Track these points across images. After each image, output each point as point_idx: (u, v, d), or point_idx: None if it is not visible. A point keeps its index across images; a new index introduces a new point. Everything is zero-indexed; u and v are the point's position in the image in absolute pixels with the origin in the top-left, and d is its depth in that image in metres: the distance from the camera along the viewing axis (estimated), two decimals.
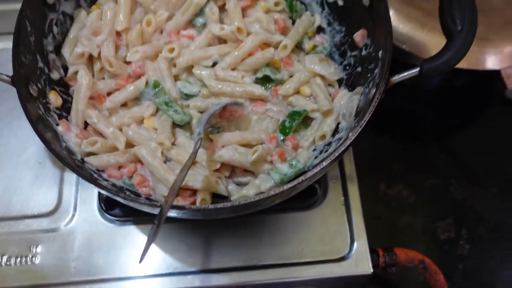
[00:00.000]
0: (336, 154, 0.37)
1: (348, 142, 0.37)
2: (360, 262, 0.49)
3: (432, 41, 0.61)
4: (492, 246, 0.62)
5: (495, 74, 0.72)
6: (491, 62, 0.63)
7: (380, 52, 0.42)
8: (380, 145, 0.69)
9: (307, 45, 0.53)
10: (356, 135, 0.38)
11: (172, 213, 0.39)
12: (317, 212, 0.51)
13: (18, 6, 0.45)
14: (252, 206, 0.38)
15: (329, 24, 0.54)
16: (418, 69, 0.39)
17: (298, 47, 0.53)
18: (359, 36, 0.49)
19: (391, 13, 0.57)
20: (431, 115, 0.71)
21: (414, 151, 0.69)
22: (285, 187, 0.37)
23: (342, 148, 0.37)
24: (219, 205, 0.37)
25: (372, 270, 0.49)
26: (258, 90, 0.49)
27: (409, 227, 0.64)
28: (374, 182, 0.66)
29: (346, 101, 0.47)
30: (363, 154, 0.67)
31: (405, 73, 0.39)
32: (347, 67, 0.51)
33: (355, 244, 0.50)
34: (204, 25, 0.53)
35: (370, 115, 0.38)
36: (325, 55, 0.52)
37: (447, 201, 0.65)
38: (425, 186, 0.66)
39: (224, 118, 0.48)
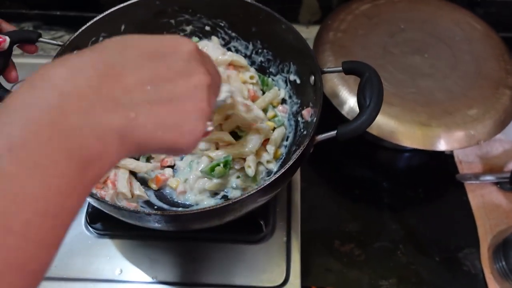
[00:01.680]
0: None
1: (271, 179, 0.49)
2: None
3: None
4: None
5: (449, 158, 0.83)
6: (442, 145, 0.72)
7: (315, 119, 0.54)
8: (342, 206, 0.78)
9: (270, 113, 0.66)
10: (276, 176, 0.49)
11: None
12: (263, 247, 0.61)
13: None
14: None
15: (289, 97, 0.68)
16: (335, 131, 0.51)
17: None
18: (306, 112, 0.63)
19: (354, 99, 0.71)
20: (388, 186, 0.80)
21: (369, 215, 0.77)
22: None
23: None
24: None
25: None
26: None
27: (356, 281, 0.71)
28: (330, 238, 0.75)
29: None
30: (324, 211, 0.77)
31: (326, 134, 0.51)
32: (298, 130, 0.64)
33: (290, 278, 0.59)
34: None
35: (294, 159, 0.50)
36: (278, 125, 0.65)
37: (393, 263, 0.72)
38: (375, 247, 0.74)
39: None
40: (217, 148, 0.62)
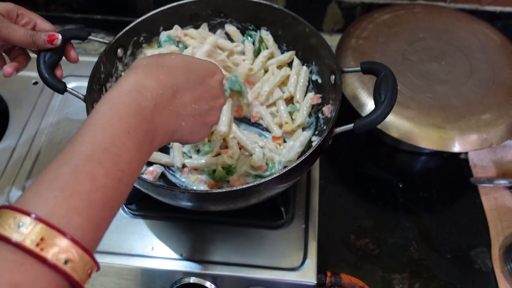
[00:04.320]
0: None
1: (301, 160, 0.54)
2: (307, 274, 0.62)
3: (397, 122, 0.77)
4: None
5: (464, 162, 0.87)
6: (456, 146, 0.76)
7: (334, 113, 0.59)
8: (358, 203, 0.82)
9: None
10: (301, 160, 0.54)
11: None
12: (283, 232, 0.66)
13: (94, 59, 0.66)
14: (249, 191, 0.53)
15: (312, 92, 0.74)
16: (352, 124, 0.56)
17: None
18: (327, 109, 0.67)
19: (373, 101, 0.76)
20: (404, 187, 0.84)
21: (384, 213, 0.81)
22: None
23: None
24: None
25: (315, 282, 0.62)
26: None
27: (369, 274, 0.74)
28: (346, 232, 0.79)
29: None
30: (342, 208, 0.81)
31: (344, 127, 0.56)
32: (318, 126, 0.70)
33: (306, 261, 0.63)
34: None
35: (315, 147, 0.55)
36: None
37: (406, 259, 0.75)
38: (389, 243, 0.77)
39: None
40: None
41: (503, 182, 0.82)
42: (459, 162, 0.87)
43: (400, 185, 0.84)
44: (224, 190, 0.52)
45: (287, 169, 0.53)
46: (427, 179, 0.85)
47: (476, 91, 0.79)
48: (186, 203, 0.55)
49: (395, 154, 0.89)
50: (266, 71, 0.74)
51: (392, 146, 0.87)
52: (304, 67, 0.72)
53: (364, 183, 0.85)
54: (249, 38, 0.75)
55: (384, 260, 0.76)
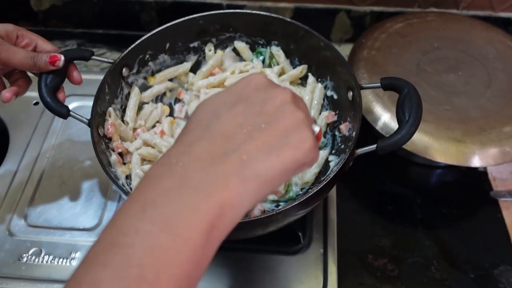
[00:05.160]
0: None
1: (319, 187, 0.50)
2: None
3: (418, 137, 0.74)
4: None
5: (483, 176, 0.83)
6: (477, 161, 0.73)
7: (354, 133, 0.56)
8: (375, 221, 0.79)
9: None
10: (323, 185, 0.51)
11: None
12: (300, 258, 0.63)
13: (99, 77, 0.63)
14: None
15: (326, 111, 0.70)
16: (375, 145, 0.52)
17: None
18: (344, 126, 0.64)
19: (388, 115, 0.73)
20: (421, 202, 0.80)
21: (402, 230, 0.77)
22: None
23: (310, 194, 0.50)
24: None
25: None
26: None
27: None
28: (363, 252, 0.75)
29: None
30: (358, 226, 0.78)
31: (366, 148, 0.53)
32: (335, 144, 0.66)
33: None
34: None
35: (336, 171, 0.51)
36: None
37: (427, 279, 0.72)
38: (408, 263, 0.74)
39: None
40: None
41: None
42: (478, 175, 0.84)
43: (418, 201, 0.81)
44: (242, 220, 0.48)
45: (307, 196, 0.50)
46: (445, 194, 0.82)
47: (496, 102, 0.76)
48: None
49: (409, 167, 0.86)
50: None
51: (407, 159, 0.84)
52: (319, 85, 0.69)
53: (380, 199, 0.82)
54: (258, 55, 0.72)
55: (404, 281, 0.72)
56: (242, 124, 0.32)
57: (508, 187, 0.81)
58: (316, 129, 0.35)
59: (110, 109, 0.64)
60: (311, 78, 0.69)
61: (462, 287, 0.71)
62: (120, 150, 0.63)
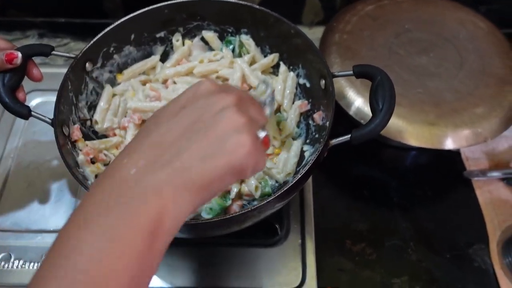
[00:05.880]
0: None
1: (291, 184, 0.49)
2: None
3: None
4: None
5: (456, 156, 0.84)
6: (450, 143, 0.73)
7: (327, 122, 0.55)
8: (352, 206, 0.79)
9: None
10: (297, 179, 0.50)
11: None
12: (278, 250, 0.62)
13: (63, 70, 0.61)
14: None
15: (299, 99, 0.69)
16: (349, 136, 0.52)
17: None
18: (318, 115, 0.63)
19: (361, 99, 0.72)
20: (396, 185, 0.81)
21: (379, 214, 0.78)
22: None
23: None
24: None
25: None
26: None
27: (369, 280, 0.71)
28: (341, 238, 0.75)
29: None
30: (335, 212, 0.78)
31: (340, 138, 0.52)
32: (309, 133, 0.65)
33: (306, 279, 0.60)
34: None
35: (310, 164, 0.50)
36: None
37: (404, 261, 0.73)
38: (386, 246, 0.75)
39: None
40: None
41: (496, 174, 0.80)
42: (451, 155, 0.85)
43: (393, 184, 0.81)
44: (217, 219, 0.47)
45: (283, 190, 0.49)
46: (420, 176, 0.83)
47: (468, 84, 0.77)
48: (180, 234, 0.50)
49: (383, 150, 0.86)
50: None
51: (380, 142, 0.84)
52: (291, 73, 0.67)
53: (356, 183, 0.82)
54: (228, 44, 0.70)
55: (382, 264, 0.73)
56: (180, 132, 0.32)
57: (480, 167, 0.82)
58: (262, 134, 0.34)
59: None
60: (283, 67, 0.68)
61: (439, 267, 0.73)
62: (91, 156, 0.61)
